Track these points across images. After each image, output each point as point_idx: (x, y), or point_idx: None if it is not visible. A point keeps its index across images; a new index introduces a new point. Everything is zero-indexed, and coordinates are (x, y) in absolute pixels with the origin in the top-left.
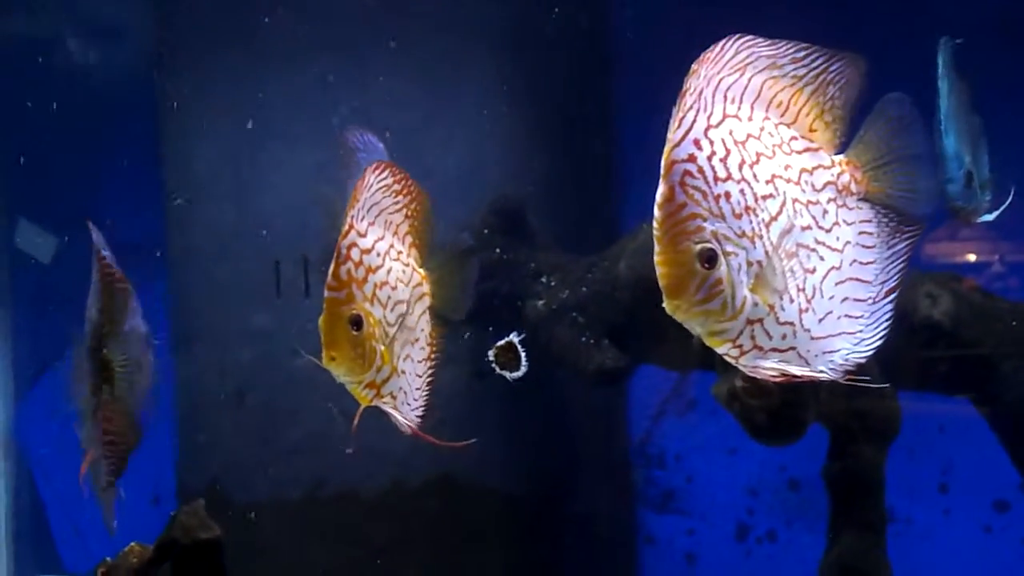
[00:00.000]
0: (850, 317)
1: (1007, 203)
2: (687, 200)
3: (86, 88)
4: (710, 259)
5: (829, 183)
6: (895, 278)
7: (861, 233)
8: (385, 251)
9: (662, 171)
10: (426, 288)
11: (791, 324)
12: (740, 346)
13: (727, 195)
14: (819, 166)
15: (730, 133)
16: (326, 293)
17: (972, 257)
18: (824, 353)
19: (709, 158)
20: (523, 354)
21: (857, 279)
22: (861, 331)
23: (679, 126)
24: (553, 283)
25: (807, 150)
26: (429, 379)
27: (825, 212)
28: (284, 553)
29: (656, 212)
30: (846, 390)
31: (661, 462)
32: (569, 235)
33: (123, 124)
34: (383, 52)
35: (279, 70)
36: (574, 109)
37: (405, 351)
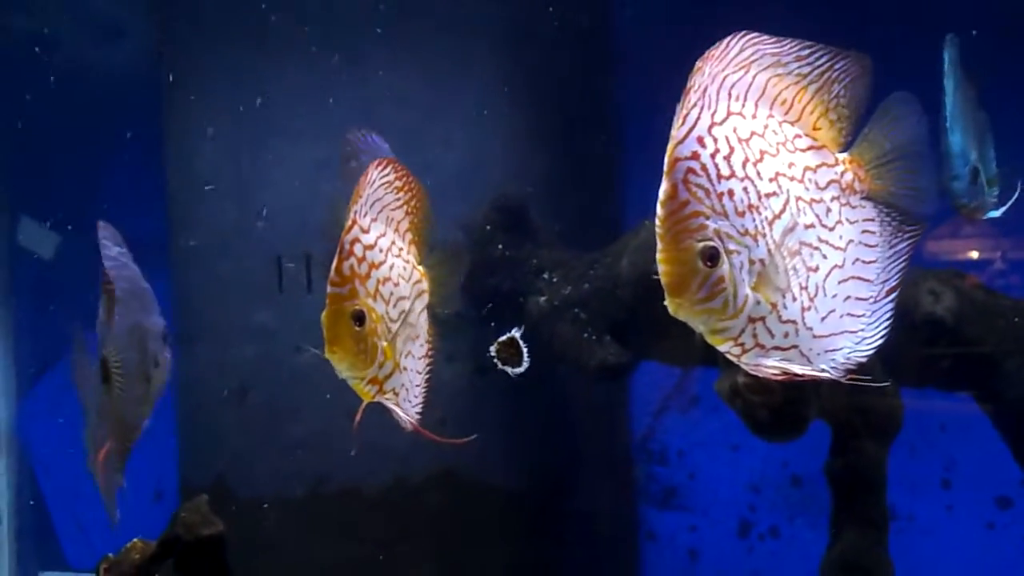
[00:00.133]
0: (852, 316)
1: (1013, 199)
2: (690, 198)
3: (89, 85)
4: (712, 257)
5: (833, 181)
6: (896, 277)
7: (864, 232)
8: (388, 247)
9: (665, 168)
10: (425, 285)
11: (793, 322)
12: (742, 344)
13: (730, 193)
14: (823, 164)
15: (734, 130)
16: (329, 288)
17: (975, 254)
18: (826, 352)
19: (713, 156)
20: (525, 350)
21: (859, 278)
22: (863, 330)
23: (683, 123)
24: (555, 279)
25: (811, 148)
26: (427, 376)
27: (828, 210)
28: (287, 549)
29: (659, 209)
30: (848, 387)
31: (663, 458)
32: (571, 232)
33: (126, 121)
34: (385, 50)
35: (281, 68)
36: (576, 106)
37: (407, 347)
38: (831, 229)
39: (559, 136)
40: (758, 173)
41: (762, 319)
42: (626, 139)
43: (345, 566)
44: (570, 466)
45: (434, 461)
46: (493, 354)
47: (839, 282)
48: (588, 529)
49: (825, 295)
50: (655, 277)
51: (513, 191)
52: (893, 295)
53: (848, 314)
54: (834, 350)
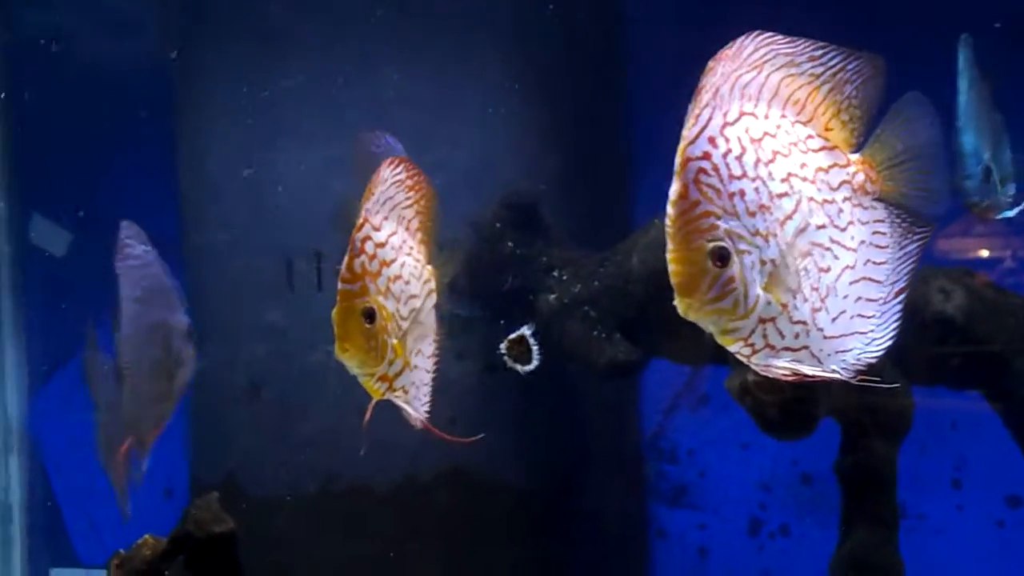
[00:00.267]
0: (863, 317)
1: None
2: (701, 198)
3: (101, 83)
4: (722, 257)
5: (845, 182)
6: (905, 279)
7: (875, 233)
8: (399, 246)
9: (676, 168)
10: (434, 284)
11: (804, 323)
12: (752, 345)
13: (742, 193)
14: (835, 165)
15: (746, 131)
16: (340, 285)
17: (985, 253)
18: (837, 353)
19: (724, 156)
20: (535, 347)
21: (870, 279)
22: (872, 331)
23: (695, 123)
24: (565, 277)
25: (823, 149)
26: (434, 374)
27: (840, 211)
28: (297, 546)
29: (669, 209)
30: (858, 385)
31: (673, 456)
32: (581, 229)
33: (138, 119)
34: (394, 48)
35: (291, 66)
36: (586, 103)
37: (417, 346)
38: (843, 230)
39: (569, 134)
40: (770, 173)
41: (773, 320)
42: (637, 137)
43: (355, 563)
44: (580, 464)
45: (444, 459)
46: (503, 352)
47: (850, 283)
48: (597, 527)
49: (836, 296)
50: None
51: (523, 188)
52: (902, 296)
53: (859, 315)
54: (845, 351)
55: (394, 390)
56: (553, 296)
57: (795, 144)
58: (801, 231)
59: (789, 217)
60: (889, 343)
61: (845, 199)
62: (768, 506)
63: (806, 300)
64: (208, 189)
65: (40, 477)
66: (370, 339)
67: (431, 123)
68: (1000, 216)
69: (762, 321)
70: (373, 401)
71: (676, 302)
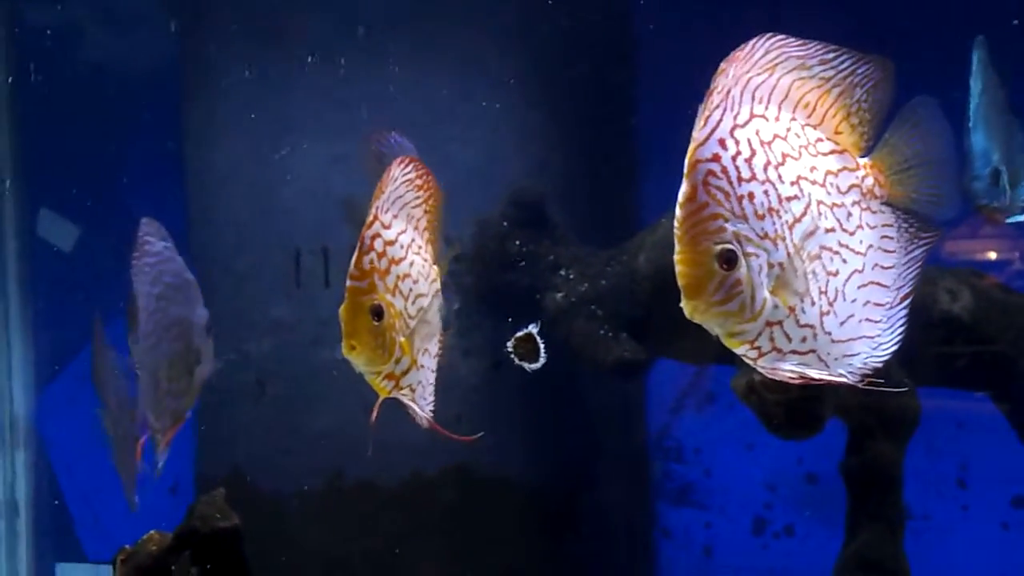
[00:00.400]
0: (870, 321)
1: None
2: (709, 200)
3: (109, 79)
4: (729, 260)
5: (854, 186)
6: (911, 283)
7: (883, 237)
8: (408, 244)
9: (686, 170)
10: (439, 284)
11: (811, 327)
12: (759, 348)
13: (750, 196)
14: (844, 168)
15: (756, 133)
16: (348, 282)
17: (993, 254)
18: (844, 357)
19: (734, 158)
20: (542, 345)
21: (878, 283)
22: (879, 335)
23: (705, 125)
24: (572, 276)
25: (833, 152)
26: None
27: (849, 215)
28: (303, 542)
29: (678, 211)
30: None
31: (679, 455)
32: (588, 228)
33: (145, 115)
34: (401, 46)
35: (299, 63)
36: (593, 102)
37: (424, 345)
38: (851, 234)
39: (576, 132)
40: (779, 176)
41: (780, 323)
42: (643, 135)
43: (361, 560)
44: (586, 463)
45: (450, 456)
46: (510, 350)
47: (858, 287)
48: (603, 525)
49: (844, 300)
50: None
51: (530, 186)
52: (907, 301)
53: (866, 319)
54: (851, 355)
55: (400, 388)
56: (560, 295)
57: (805, 147)
58: (810, 234)
59: (798, 220)
60: (895, 347)
61: (854, 203)
62: (773, 505)
63: (814, 304)
64: (215, 185)
65: (46, 473)
66: (378, 337)
67: (438, 121)
68: (1011, 220)
69: (769, 324)
70: (380, 399)
71: (683, 304)
